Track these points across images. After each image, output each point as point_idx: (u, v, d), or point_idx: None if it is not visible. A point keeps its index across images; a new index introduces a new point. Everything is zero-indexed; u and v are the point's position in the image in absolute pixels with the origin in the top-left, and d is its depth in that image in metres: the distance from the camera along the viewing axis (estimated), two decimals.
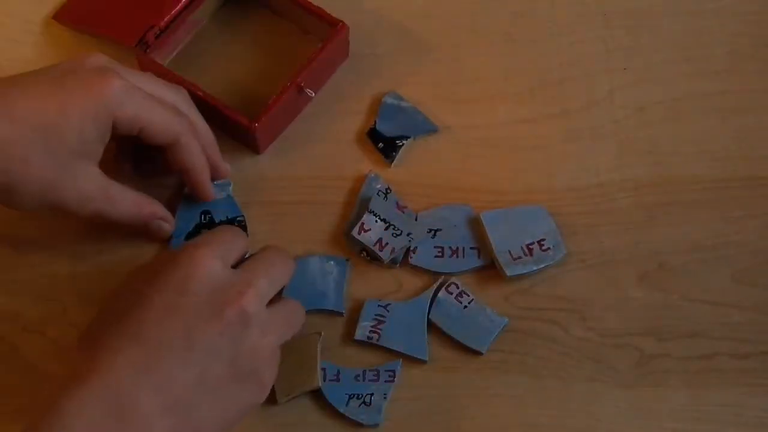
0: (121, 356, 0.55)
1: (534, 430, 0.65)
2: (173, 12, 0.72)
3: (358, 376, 0.66)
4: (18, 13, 0.76)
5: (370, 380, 0.65)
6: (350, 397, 0.65)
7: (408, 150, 0.72)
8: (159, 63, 0.72)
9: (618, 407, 0.65)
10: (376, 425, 0.65)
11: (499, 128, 0.73)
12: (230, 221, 0.69)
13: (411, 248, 0.68)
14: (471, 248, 0.68)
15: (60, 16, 0.76)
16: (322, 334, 0.66)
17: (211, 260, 0.58)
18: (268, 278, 0.60)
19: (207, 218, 0.69)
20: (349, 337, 0.67)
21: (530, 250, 0.67)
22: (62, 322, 0.67)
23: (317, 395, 0.66)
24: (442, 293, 0.67)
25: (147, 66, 0.72)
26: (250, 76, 0.74)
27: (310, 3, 0.73)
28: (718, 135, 0.73)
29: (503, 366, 0.66)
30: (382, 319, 0.67)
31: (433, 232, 0.69)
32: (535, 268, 0.67)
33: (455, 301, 0.67)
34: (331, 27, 0.72)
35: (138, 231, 0.67)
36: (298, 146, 0.72)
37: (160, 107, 0.63)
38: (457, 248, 0.68)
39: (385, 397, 0.65)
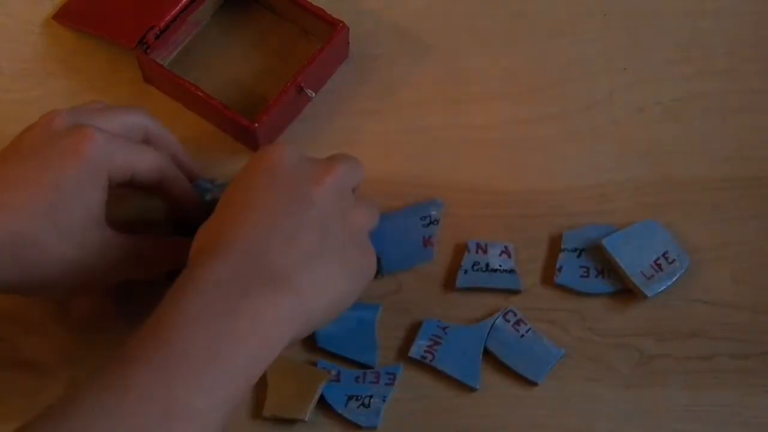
0: (248, 227, 0.56)
1: (534, 430, 0.65)
2: (173, 12, 0.72)
3: (359, 377, 0.66)
4: (18, 13, 0.77)
5: (370, 382, 0.65)
6: (349, 398, 0.65)
7: (408, 150, 0.72)
8: (159, 63, 0.72)
9: (618, 407, 0.65)
10: (374, 428, 0.64)
11: (499, 128, 0.73)
12: None
13: (557, 267, 0.68)
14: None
15: (60, 17, 0.76)
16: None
17: (288, 148, 0.60)
18: (346, 167, 0.61)
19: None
20: None
21: (659, 265, 0.67)
22: (62, 322, 0.67)
23: None
24: (499, 321, 0.67)
25: (147, 66, 0.72)
26: (250, 76, 0.74)
27: (310, 3, 0.73)
28: (718, 135, 0.73)
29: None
30: (438, 340, 0.66)
31: (578, 251, 0.69)
32: (669, 282, 0.67)
33: (512, 329, 0.67)
34: (331, 27, 0.72)
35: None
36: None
37: (140, 147, 0.63)
38: (602, 269, 0.68)
39: (384, 400, 0.65)
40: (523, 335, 0.66)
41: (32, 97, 0.74)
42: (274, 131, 0.72)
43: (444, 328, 0.66)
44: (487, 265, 0.68)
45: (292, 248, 0.56)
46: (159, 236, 0.66)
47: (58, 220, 0.58)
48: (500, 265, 0.68)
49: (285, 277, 0.55)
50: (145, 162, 0.62)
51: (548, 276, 0.68)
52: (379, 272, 0.68)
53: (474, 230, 0.70)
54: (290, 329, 0.55)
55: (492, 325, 0.67)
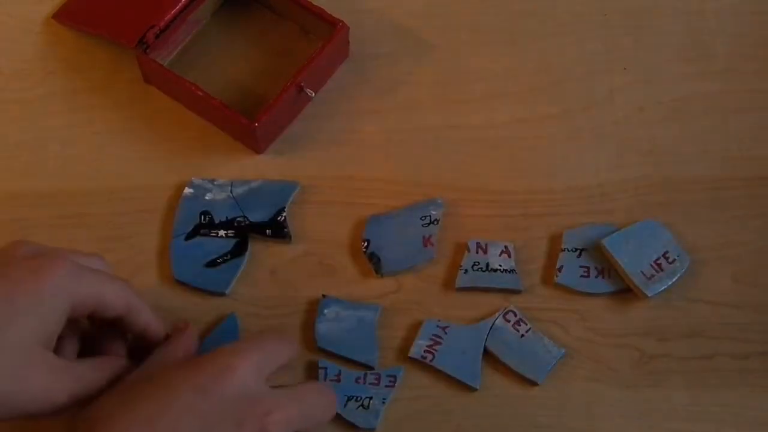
0: None
1: (534, 430, 0.65)
2: (173, 12, 0.72)
3: (359, 378, 0.66)
4: (18, 13, 0.77)
5: (370, 383, 0.65)
6: (349, 399, 0.65)
7: (407, 149, 0.72)
8: (159, 63, 0.72)
9: (618, 407, 0.65)
10: (372, 429, 0.64)
11: (499, 128, 0.73)
12: (230, 221, 0.69)
13: (557, 267, 0.68)
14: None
15: (60, 16, 0.76)
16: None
17: (246, 370, 0.55)
18: (299, 409, 0.57)
19: (207, 219, 0.69)
20: None
21: (659, 265, 0.67)
22: None
23: None
24: (499, 321, 0.67)
25: (147, 66, 0.72)
26: (250, 76, 0.74)
27: (310, 3, 0.73)
28: (718, 135, 0.73)
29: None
30: (438, 340, 0.66)
31: (578, 251, 0.69)
32: (670, 282, 0.67)
33: (512, 329, 0.67)
34: (331, 27, 0.72)
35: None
36: (298, 146, 0.72)
37: (106, 277, 0.59)
38: (602, 269, 0.68)
39: (384, 402, 0.65)
40: (523, 335, 0.66)
41: (32, 97, 0.74)
42: (274, 131, 0.72)
43: (444, 328, 0.66)
44: (487, 265, 0.68)
45: None
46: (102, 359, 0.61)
47: (8, 334, 0.54)
48: (500, 265, 0.68)
49: None
50: (109, 291, 0.58)
51: (548, 276, 0.68)
52: (378, 272, 0.68)
53: (474, 230, 0.70)
54: None
55: (492, 325, 0.67)
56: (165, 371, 0.57)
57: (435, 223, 0.69)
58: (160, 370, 0.57)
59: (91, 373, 0.58)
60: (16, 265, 0.56)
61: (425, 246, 0.69)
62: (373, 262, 0.68)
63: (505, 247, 0.68)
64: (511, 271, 0.68)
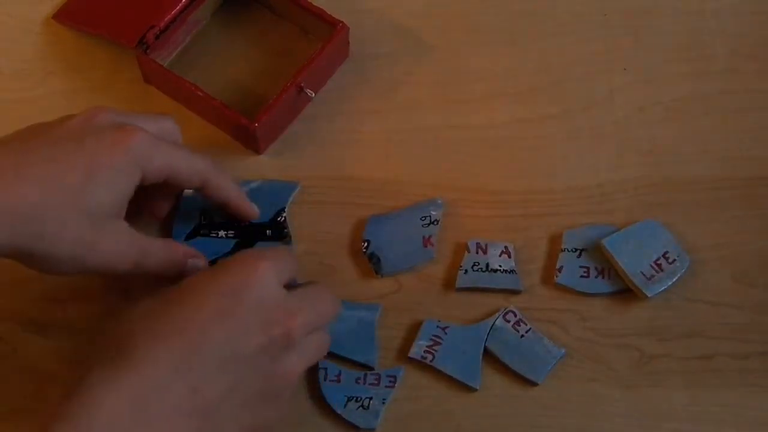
0: (161, 346, 0.54)
1: (534, 430, 0.65)
2: (173, 12, 0.72)
3: (359, 378, 0.66)
4: (18, 13, 0.77)
5: (370, 384, 0.65)
6: (349, 399, 0.65)
7: (407, 149, 0.72)
8: (159, 63, 0.72)
9: (618, 407, 0.65)
10: (371, 429, 0.64)
11: (499, 128, 0.73)
12: (230, 221, 0.69)
13: (557, 267, 0.68)
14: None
15: (60, 16, 0.76)
16: None
17: (270, 275, 0.57)
18: (316, 311, 0.59)
19: (207, 219, 0.69)
20: None
21: (659, 265, 0.67)
22: (62, 322, 0.67)
23: (316, 394, 0.65)
24: (499, 321, 0.67)
25: (147, 66, 0.72)
26: (250, 76, 0.74)
27: (310, 3, 0.73)
28: (718, 135, 0.73)
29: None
30: (438, 340, 0.66)
31: (578, 251, 0.69)
32: (670, 282, 0.67)
33: (512, 329, 0.67)
34: (331, 27, 0.72)
35: (171, 277, 0.63)
36: (298, 146, 0.72)
37: (183, 152, 0.63)
38: (602, 269, 0.68)
39: (383, 402, 0.65)
40: (523, 335, 0.66)
41: (32, 97, 0.74)
42: (274, 131, 0.72)
43: (444, 328, 0.66)
44: (487, 265, 0.68)
45: (193, 399, 0.54)
46: (169, 240, 0.66)
47: (83, 202, 0.58)
48: (500, 266, 0.68)
49: (175, 428, 0.53)
50: (183, 166, 0.62)
51: (548, 276, 0.68)
52: (378, 272, 0.68)
53: (474, 230, 0.70)
54: None
55: (492, 325, 0.67)
56: (191, 280, 0.58)
57: (435, 223, 0.69)
58: (188, 282, 0.58)
59: (155, 250, 0.62)
60: (93, 136, 0.59)
61: (425, 246, 0.69)
62: (373, 262, 0.68)
63: (505, 247, 0.68)
64: (511, 271, 0.68)
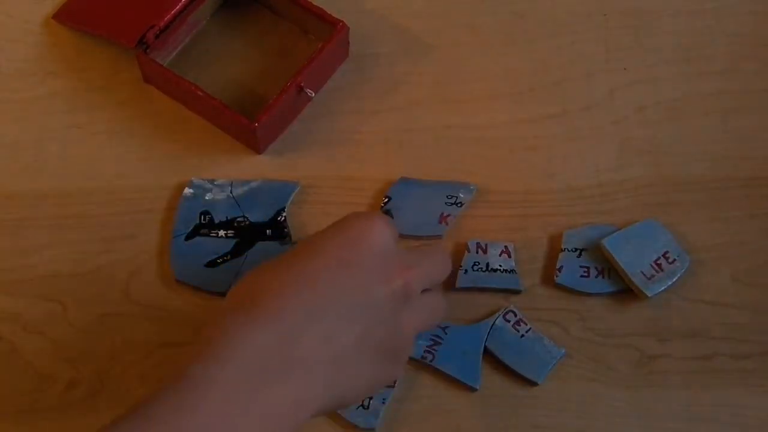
0: (294, 299, 0.55)
1: (534, 430, 0.65)
2: (173, 12, 0.72)
3: None
4: (18, 13, 0.77)
5: None
6: None
7: (407, 149, 0.72)
8: (159, 63, 0.72)
9: (618, 407, 0.65)
10: (371, 429, 0.64)
11: (499, 128, 0.73)
12: (230, 221, 0.69)
13: (557, 267, 0.68)
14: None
15: (60, 16, 0.76)
16: None
17: (386, 229, 0.58)
18: (429, 268, 0.60)
19: (207, 219, 0.69)
20: None
21: (659, 265, 0.67)
22: (62, 322, 0.67)
23: None
24: (499, 320, 0.67)
25: (147, 66, 0.72)
26: (250, 76, 0.74)
27: (310, 3, 0.73)
28: (718, 135, 0.73)
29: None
30: (438, 340, 0.66)
31: (578, 251, 0.69)
32: (670, 282, 0.67)
33: (512, 329, 0.67)
34: (331, 27, 0.72)
35: None
36: (298, 146, 0.72)
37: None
38: (602, 269, 0.68)
39: (383, 402, 0.65)
40: (523, 335, 0.66)
41: (32, 97, 0.74)
42: (274, 131, 0.72)
43: (444, 328, 0.66)
44: (487, 265, 0.68)
45: (327, 346, 0.55)
46: None
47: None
48: (500, 265, 0.68)
49: (310, 372, 0.54)
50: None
51: (548, 276, 0.68)
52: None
53: (474, 230, 0.70)
54: (304, 415, 0.54)
55: (492, 325, 0.66)
56: (313, 238, 0.59)
57: (459, 205, 0.69)
58: (307, 241, 0.59)
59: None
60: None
61: (440, 222, 0.69)
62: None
63: (505, 247, 0.68)
64: (511, 271, 0.68)
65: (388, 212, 0.69)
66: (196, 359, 0.53)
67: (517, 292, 0.68)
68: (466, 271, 0.68)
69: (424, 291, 0.60)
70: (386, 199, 0.69)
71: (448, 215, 0.69)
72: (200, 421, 0.51)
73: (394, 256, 0.58)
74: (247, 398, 0.52)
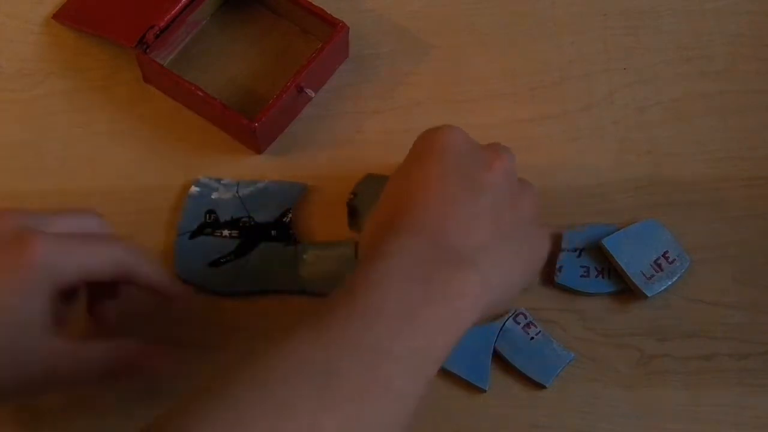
0: (421, 209, 0.57)
1: (534, 430, 0.65)
2: (173, 12, 0.72)
3: None
4: (18, 13, 0.76)
5: None
6: None
7: (407, 149, 0.72)
8: (159, 63, 0.72)
9: (618, 407, 0.65)
10: None
11: (499, 128, 0.73)
12: (235, 221, 0.69)
13: (557, 267, 0.68)
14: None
15: (60, 16, 0.76)
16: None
17: (458, 131, 0.60)
18: (511, 154, 0.61)
19: (212, 218, 0.69)
20: None
21: (659, 265, 0.67)
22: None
23: None
24: (509, 322, 0.67)
25: (147, 66, 0.72)
26: (250, 76, 0.74)
27: (310, 3, 0.73)
28: (718, 135, 0.73)
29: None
30: None
31: (578, 251, 0.69)
32: (670, 282, 0.67)
33: (522, 331, 0.66)
34: (331, 27, 0.72)
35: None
36: (298, 146, 0.72)
37: (94, 246, 0.58)
38: (602, 269, 0.68)
39: None
40: (533, 338, 0.66)
41: (32, 97, 0.74)
42: (274, 131, 0.72)
43: None
44: None
45: (469, 234, 0.56)
46: (137, 342, 0.61)
47: None
48: None
49: (469, 258, 0.55)
50: (97, 262, 0.58)
51: (548, 276, 0.68)
52: (352, 227, 0.69)
53: None
54: (477, 307, 0.55)
55: (502, 326, 0.66)
56: (402, 167, 0.61)
57: None
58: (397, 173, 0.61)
59: (97, 354, 0.58)
60: None
61: None
62: (351, 215, 0.68)
63: None
64: None
65: (354, 208, 0.69)
66: (358, 269, 0.54)
67: None
68: None
69: None
70: (352, 195, 0.69)
71: None
72: (384, 311, 0.52)
73: (479, 150, 0.60)
74: (423, 274, 0.53)
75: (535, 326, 0.66)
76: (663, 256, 0.68)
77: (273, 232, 0.69)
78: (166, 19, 0.71)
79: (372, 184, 0.69)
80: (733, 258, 0.69)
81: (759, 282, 0.68)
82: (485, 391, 0.65)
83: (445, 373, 0.66)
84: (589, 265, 0.68)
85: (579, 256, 0.68)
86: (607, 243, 0.68)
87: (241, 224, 0.69)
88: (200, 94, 0.70)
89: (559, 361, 0.66)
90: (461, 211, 0.57)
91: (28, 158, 0.72)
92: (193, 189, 0.70)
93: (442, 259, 0.55)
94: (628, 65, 0.75)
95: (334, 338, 0.51)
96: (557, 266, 0.68)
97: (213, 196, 0.70)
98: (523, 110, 0.73)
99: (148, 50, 0.71)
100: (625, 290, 0.68)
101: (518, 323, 0.66)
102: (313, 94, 0.72)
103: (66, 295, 0.59)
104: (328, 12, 0.72)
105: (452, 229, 0.56)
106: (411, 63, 0.75)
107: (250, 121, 0.69)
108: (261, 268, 0.68)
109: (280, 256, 0.68)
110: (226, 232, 0.69)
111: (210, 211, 0.69)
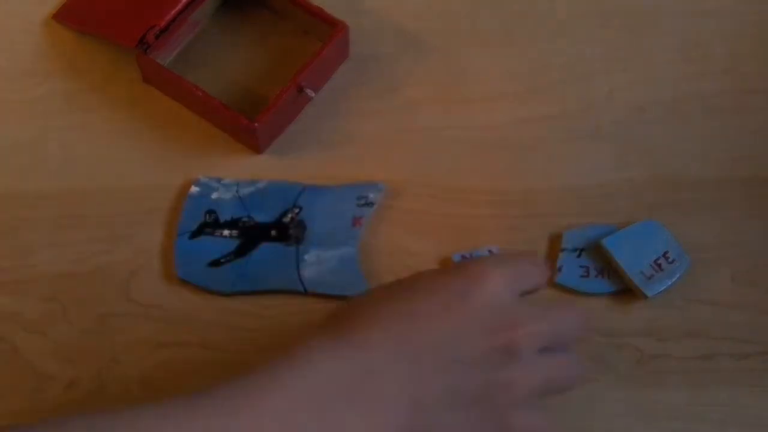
0: (385, 333, 0.53)
1: None
2: (173, 12, 0.72)
3: None
4: (18, 13, 0.76)
5: None
6: None
7: (407, 149, 0.72)
8: (159, 63, 0.72)
9: (618, 407, 0.65)
10: None
11: (499, 128, 0.73)
12: (235, 221, 0.69)
13: (557, 267, 0.68)
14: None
15: (60, 16, 0.76)
16: None
17: (500, 283, 0.55)
18: (552, 326, 0.56)
19: (212, 218, 0.69)
20: None
21: (659, 265, 0.67)
22: (62, 322, 0.67)
23: None
24: None
25: (147, 66, 0.72)
26: (250, 76, 0.74)
27: (310, 3, 0.73)
28: (718, 135, 0.73)
29: None
30: None
31: (578, 251, 0.69)
32: (669, 282, 0.67)
33: None
34: (331, 27, 0.72)
35: None
36: (298, 146, 0.72)
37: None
38: (602, 269, 0.68)
39: None
40: None
41: (32, 97, 0.74)
42: (274, 131, 0.72)
43: None
44: None
45: (410, 389, 0.53)
46: None
47: None
48: None
49: (385, 411, 0.53)
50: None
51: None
52: (299, 242, 0.68)
53: (474, 230, 0.70)
54: None
55: None
56: (423, 276, 0.57)
57: (370, 205, 0.69)
58: (417, 276, 0.57)
59: None
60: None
61: (353, 225, 0.69)
62: (298, 229, 0.69)
63: (489, 251, 0.68)
64: None
65: (300, 223, 0.69)
66: (268, 362, 0.52)
67: None
68: None
69: (549, 350, 0.56)
70: (297, 210, 0.69)
71: (361, 217, 0.69)
72: (256, 421, 0.50)
73: (505, 310, 0.55)
74: (309, 416, 0.51)
75: None
76: (663, 256, 0.68)
77: (273, 232, 0.69)
78: (166, 19, 0.71)
79: (314, 195, 0.70)
80: (733, 258, 0.69)
81: (759, 282, 0.68)
82: None
83: None
84: (589, 265, 0.68)
85: (579, 256, 0.68)
86: (606, 243, 0.68)
87: (241, 224, 0.69)
88: (200, 94, 0.70)
89: None
90: (419, 363, 0.53)
91: (28, 158, 0.72)
92: (193, 189, 0.70)
93: (358, 398, 0.52)
94: (628, 65, 0.75)
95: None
96: (557, 266, 0.68)
97: (213, 196, 0.70)
98: (523, 110, 0.73)
99: (148, 50, 0.71)
100: (625, 290, 0.68)
101: None
102: (313, 94, 0.72)
103: None
104: (328, 12, 0.72)
105: (396, 374, 0.53)
106: (411, 63, 0.75)
107: (250, 121, 0.69)
108: (261, 268, 0.68)
109: (280, 256, 0.68)
110: (226, 232, 0.69)
111: (210, 211, 0.69)
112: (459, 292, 0.55)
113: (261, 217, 0.69)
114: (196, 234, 0.69)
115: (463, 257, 0.68)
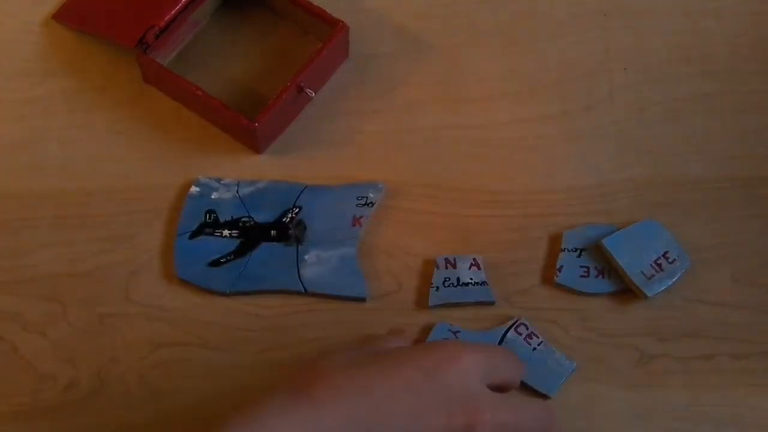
0: (342, 397, 0.53)
1: None
2: (173, 12, 0.72)
3: None
4: (18, 13, 0.77)
5: None
6: None
7: (407, 149, 0.72)
8: (159, 63, 0.72)
9: (618, 407, 0.65)
10: None
11: (499, 128, 0.73)
12: (235, 221, 0.69)
13: (557, 267, 0.68)
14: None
15: (60, 16, 0.76)
16: None
17: (474, 367, 0.55)
18: (515, 420, 0.56)
19: (212, 218, 0.69)
20: None
21: (659, 265, 0.67)
22: (62, 322, 0.67)
23: None
24: (511, 333, 0.66)
25: (147, 66, 0.72)
26: (250, 76, 0.74)
27: (310, 3, 0.73)
28: (718, 135, 0.73)
29: None
30: None
31: (578, 251, 0.69)
32: (670, 282, 0.67)
33: (524, 342, 0.66)
34: (331, 27, 0.72)
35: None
36: (298, 146, 0.72)
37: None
38: (602, 269, 0.68)
39: None
40: (535, 348, 0.66)
41: (32, 97, 0.74)
42: (274, 131, 0.72)
43: (455, 332, 0.66)
44: (458, 279, 0.67)
45: None
46: None
47: None
48: (471, 279, 0.67)
49: None
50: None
51: (548, 276, 0.68)
52: (300, 242, 0.68)
53: (474, 230, 0.70)
54: None
55: (503, 338, 0.66)
56: (391, 350, 0.57)
57: (370, 205, 0.69)
58: (385, 350, 0.57)
59: None
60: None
61: (353, 225, 0.69)
62: (299, 230, 0.69)
63: (474, 259, 0.68)
64: (482, 283, 0.67)
65: (300, 223, 0.69)
66: (221, 427, 0.52)
67: (491, 304, 0.67)
68: (437, 288, 0.67)
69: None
70: (296, 209, 0.69)
71: (361, 217, 0.69)
72: None
73: (469, 394, 0.55)
74: None
75: (537, 336, 0.66)
76: (663, 256, 0.68)
77: (273, 232, 0.69)
78: (166, 19, 0.71)
79: (314, 195, 0.70)
80: (733, 258, 0.69)
81: (759, 282, 0.68)
82: None
83: None
84: (589, 265, 0.68)
85: (579, 256, 0.68)
86: (607, 243, 0.68)
87: (241, 224, 0.69)
88: (200, 94, 0.70)
89: (563, 371, 0.65)
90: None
91: (28, 158, 0.72)
92: (193, 189, 0.70)
93: None
94: (628, 65, 0.75)
95: None
96: (557, 266, 0.68)
97: (213, 196, 0.70)
98: (523, 110, 0.73)
99: (148, 50, 0.71)
100: (625, 290, 0.68)
101: (520, 334, 0.66)
102: (313, 94, 0.72)
103: None
104: (328, 12, 0.72)
105: None
106: (411, 63, 0.75)
107: (250, 121, 0.69)
108: (261, 268, 0.68)
109: (280, 256, 0.68)
110: (226, 232, 0.69)
111: (210, 211, 0.69)
112: (428, 368, 0.55)
113: (261, 217, 0.69)
114: (196, 234, 0.69)
115: (447, 260, 0.68)
